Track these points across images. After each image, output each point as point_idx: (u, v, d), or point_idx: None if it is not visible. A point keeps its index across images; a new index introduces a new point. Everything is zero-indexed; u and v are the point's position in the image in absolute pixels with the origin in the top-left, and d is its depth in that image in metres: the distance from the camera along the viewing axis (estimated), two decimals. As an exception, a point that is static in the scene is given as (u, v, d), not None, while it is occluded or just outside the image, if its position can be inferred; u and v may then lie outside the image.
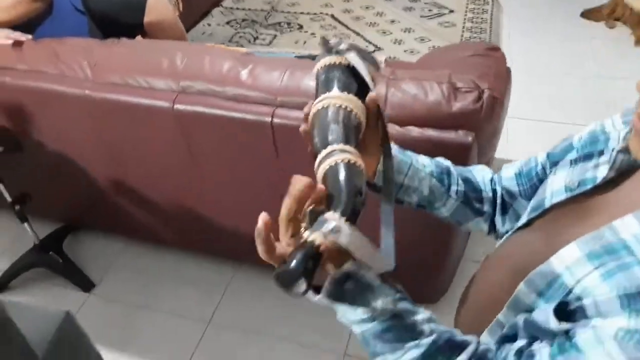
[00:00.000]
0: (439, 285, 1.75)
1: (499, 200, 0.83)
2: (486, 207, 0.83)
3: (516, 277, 0.64)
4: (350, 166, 0.58)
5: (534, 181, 0.79)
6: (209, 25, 3.16)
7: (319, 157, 0.60)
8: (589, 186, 0.64)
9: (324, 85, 0.66)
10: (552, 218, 0.68)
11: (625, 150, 0.60)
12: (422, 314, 0.62)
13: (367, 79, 0.65)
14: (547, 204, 0.69)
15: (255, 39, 3.00)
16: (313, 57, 0.74)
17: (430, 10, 3.19)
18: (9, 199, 1.79)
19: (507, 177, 0.83)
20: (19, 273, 1.98)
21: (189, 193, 1.72)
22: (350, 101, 0.64)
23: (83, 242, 2.15)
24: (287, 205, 0.55)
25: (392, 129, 1.31)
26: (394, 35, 2.99)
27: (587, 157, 0.67)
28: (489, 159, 1.60)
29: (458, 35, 2.94)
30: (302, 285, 0.51)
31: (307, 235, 0.52)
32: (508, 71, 1.58)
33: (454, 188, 0.80)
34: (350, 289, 0.58)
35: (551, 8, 3.65)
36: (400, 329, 0.60)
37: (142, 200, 1.81)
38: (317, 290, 0.58)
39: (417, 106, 1.31)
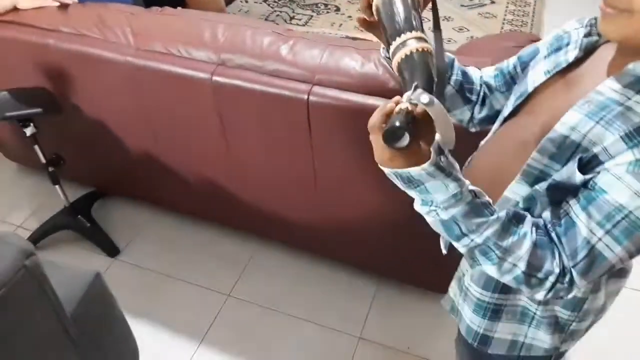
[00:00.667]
0: (449, 273, 1.73)
1: (481, 93, 0.98)
2: (474, 97, 0.97)
3: (519, 155, 0.77)
4: (423, 54, 0.66)
5: (507, 78, 0.95)
6: (247, 2, 3.15)
7: (393, 45, 0.69)
8: (563, 65, 0.81)
9: None
10: (537, 99, 0.83)
11: (588, 34, 0.79)
12: (485, 194, 0.71)
13: None
14: (530, 89, 0.84)
15: (292, 18, 2.99)
16: None
17: (471, 0, 3.14)
18: (43, 160, 1.81)
19: (488, 75, 0.99)
20: (47, 234, 2.02)
21: (219, 166, 1.73)
22: None
23: (111, 208, 2.18)
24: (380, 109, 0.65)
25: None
26: (431, 23, 2.95)
27: (557, 49, 0.84)
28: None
29: (498, 27, 2.89)
30: (405, 140, 0.60)
31: (400, 105, 0.62)
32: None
33: (453, 78, 0.94)
34: (444, 161, 0.66)
35: (596, 5, 3.54)
36: (480, 207, 0.69)
37: (171, 170, 1.83)
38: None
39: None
